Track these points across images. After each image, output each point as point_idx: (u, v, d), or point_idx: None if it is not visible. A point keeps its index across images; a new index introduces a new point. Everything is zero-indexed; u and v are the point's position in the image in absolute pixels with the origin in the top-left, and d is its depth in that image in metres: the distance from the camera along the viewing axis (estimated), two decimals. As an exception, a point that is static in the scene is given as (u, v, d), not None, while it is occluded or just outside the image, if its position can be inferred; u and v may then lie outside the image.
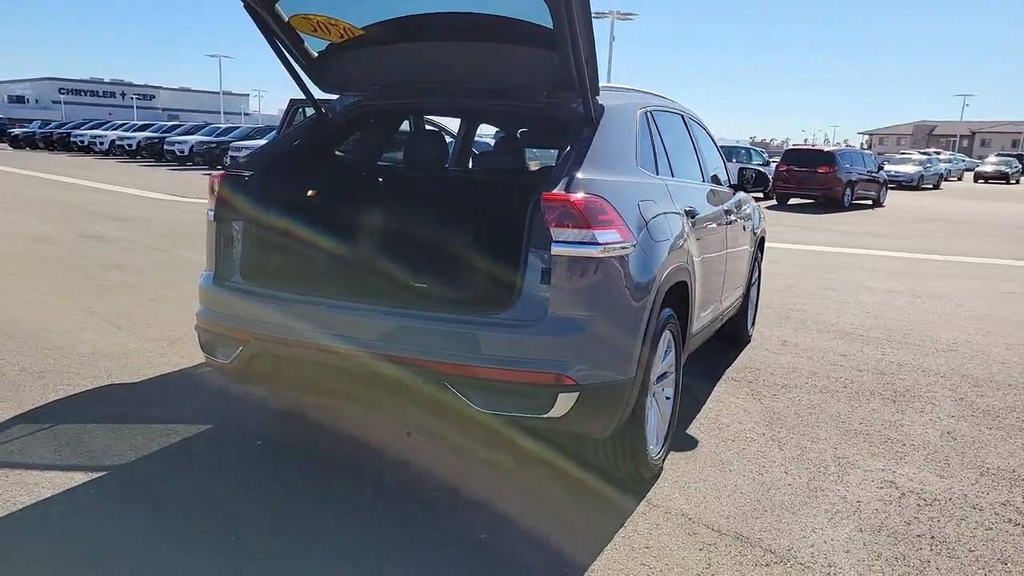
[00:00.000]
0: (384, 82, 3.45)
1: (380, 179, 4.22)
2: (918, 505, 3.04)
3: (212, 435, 3.52)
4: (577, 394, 2.56)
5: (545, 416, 2.57)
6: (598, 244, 2.57)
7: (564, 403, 2.56)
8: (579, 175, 2.69)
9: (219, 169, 3.56)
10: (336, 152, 4.02)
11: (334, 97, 3.64)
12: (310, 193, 3.62)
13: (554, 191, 2.61)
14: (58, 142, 36.68)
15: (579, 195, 2.60)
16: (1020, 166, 39.55)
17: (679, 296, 3.25)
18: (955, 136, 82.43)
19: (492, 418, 2.60)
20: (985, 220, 17.36)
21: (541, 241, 2.59)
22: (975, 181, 38.54)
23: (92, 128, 36.52)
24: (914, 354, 5.35)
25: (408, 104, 3.86)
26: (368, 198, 4.10)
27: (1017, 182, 38.06)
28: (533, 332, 2.56)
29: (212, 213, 3.14)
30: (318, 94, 3.53)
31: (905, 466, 3.41)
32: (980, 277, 9.01)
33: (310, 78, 3.42)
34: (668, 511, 2.91)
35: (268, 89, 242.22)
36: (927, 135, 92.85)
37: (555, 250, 2.55)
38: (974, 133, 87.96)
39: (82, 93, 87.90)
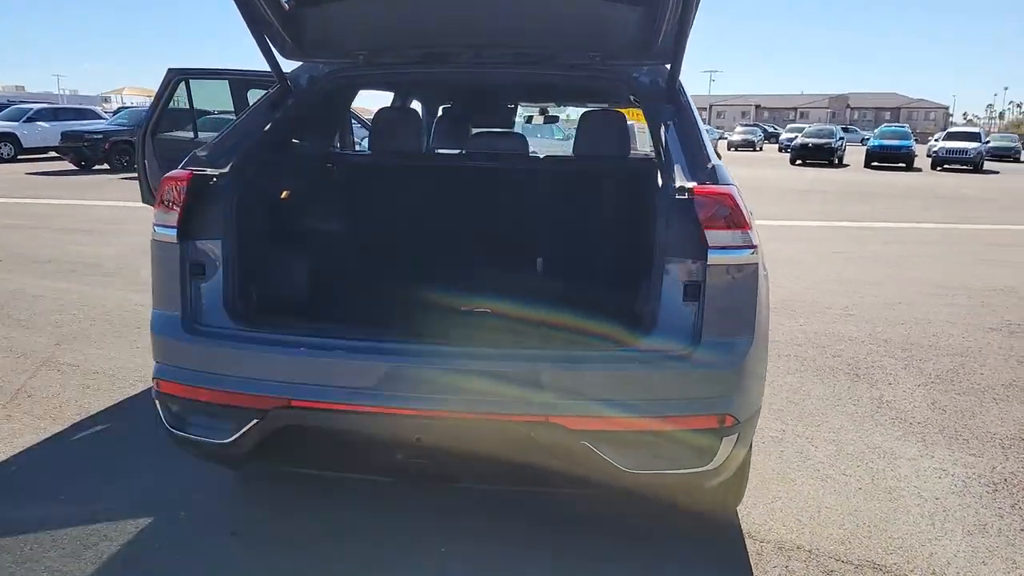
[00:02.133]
0: (375, 45, 2.65)
1: (421, 174, 3.44)
2: (990, 492, 2.96)
3: (158, 532, 2.55)
4: (737, 435, 2.08)
5: (703, 469, 2.07)
6: (751, 247, 2.09)
7: (725, 448, 2.07)
8: (711, 164, 2.18)
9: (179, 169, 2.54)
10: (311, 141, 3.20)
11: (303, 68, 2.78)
12: (328, 194, 3.06)
13: (708, 185, 2.07)
14: None
15: (730, 188, 2.10)
16: (763, 135, 44.98)
17: None
18: (705, 108, 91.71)
19: (638, 478, 2.04)
20: (760, 185, 19.14)
21: (686, 247, 2.06)
22: (728, 149, 42.98)
23: None
24: (825, 322, 5.48)
25: (407, 75, 3.06)
26: (411, 198, 3.33)
27: (761, 148, 43.06)
28: (689, 365, 2.03)
29: (173, 231, 2.19)
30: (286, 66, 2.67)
31: (936, 449, 3.35)
32: (801, 240, 9.68)
33: (286, 36, 2.52)
34: (781, 546, 2.54)
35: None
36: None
37: (713, 258, 2.04)
38: (711, 106, 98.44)
39: None
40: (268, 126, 2.58)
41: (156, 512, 2.65)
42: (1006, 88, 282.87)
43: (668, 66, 2.51)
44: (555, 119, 11.70)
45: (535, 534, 2.58)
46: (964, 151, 26.34)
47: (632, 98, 2.75)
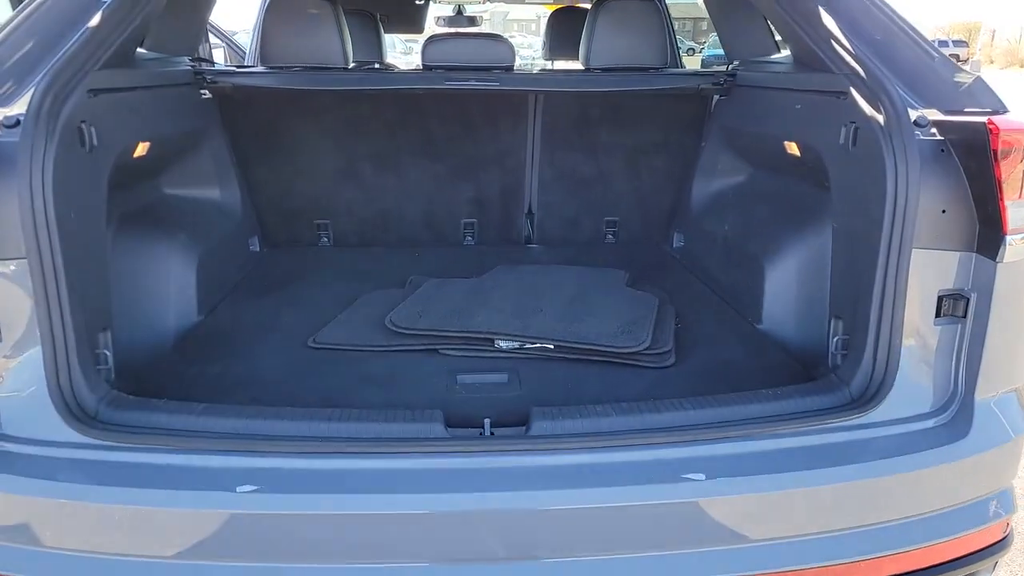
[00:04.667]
0: None
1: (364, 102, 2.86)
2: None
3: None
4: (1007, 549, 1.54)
5: None
6: None
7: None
8: (965, 74, 1.63)
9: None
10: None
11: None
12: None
13: (999, 116, 1.43)
14: None
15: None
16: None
17: None
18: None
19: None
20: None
21: (950, 229, 1.44)
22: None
23: None
24: None
25: None
26: (357, 143, 2.87)
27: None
28: (960, 443, 1.46)
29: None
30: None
31: None
32: None
33: None
34: None
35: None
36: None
37: (1013, 247, 1.37)
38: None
39: None
40: (94, 20, 1.71)
41: None
42: None
43: None
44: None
45: None
46: None
47: None
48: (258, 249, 3.27)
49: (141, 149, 2.26)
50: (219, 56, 5.64)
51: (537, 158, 3.35)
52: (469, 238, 3.52)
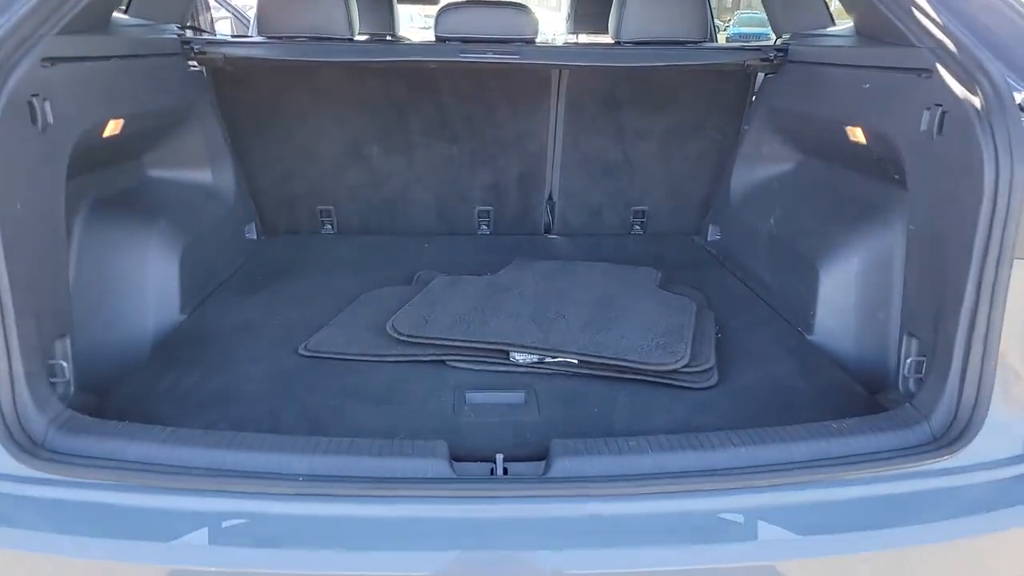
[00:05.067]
0: None
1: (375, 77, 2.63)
2: None
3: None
4: None
5: None
6: None
7: None
8: None
9: None
10: None
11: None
12: None
13: None
14: None
15: None
16: None
17: None
18: None
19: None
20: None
21: None
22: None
23: None
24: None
25: None
26: (364, 122, 2.67)
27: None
28: None
29: None
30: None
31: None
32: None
33: None
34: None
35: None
36: None
37: None
38: None
39: None
40: None
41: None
42: None
43: None
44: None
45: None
46: None
47: None
48: (255, 237, 3.02)
49: (113, 127, 2.00)
50: (225, 28, 5.36)
51: (559, 141, 3.06)
52: (484, 227, 3.24)
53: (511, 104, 2.97)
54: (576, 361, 1.85)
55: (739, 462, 1.41)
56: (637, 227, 3.26)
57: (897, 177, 1.89)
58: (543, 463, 1.44)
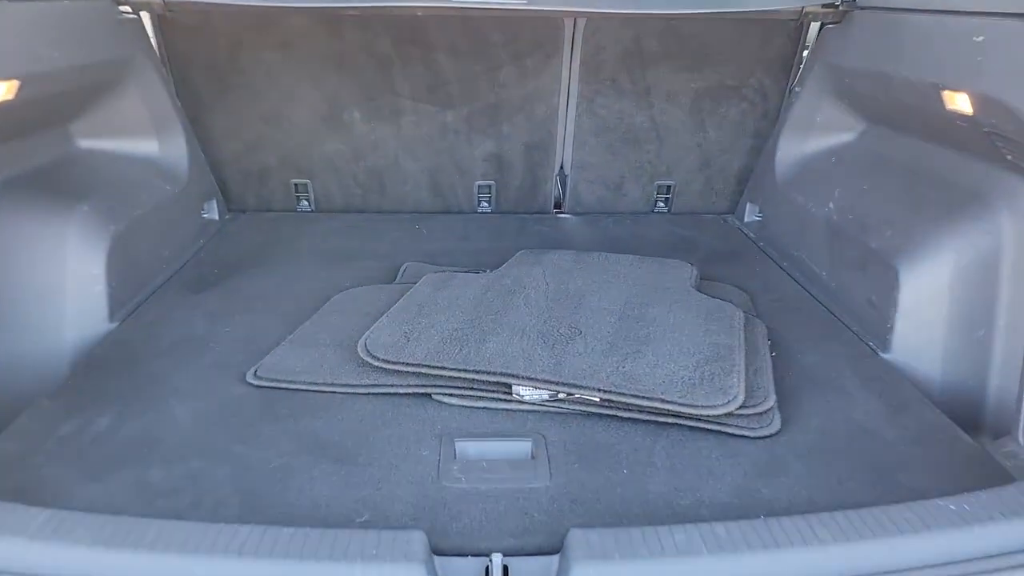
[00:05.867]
0: None
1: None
2: None
3: None
4: None
5: None
6: None
7: None
8: None
9: None
10: None
11: None
12: None
13: None
14: None
15: None
16: None
17: None
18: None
19: None
20: None
21: None
22: None
23: None
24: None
25: None
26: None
27: None
28: None
29: None
30: None
31: None
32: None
33: None
34: None
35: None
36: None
37: None
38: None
39: None
40: None
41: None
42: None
43: None
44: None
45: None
46: None
47: None
48: (216, 217, 2.59)
49: (7, 91, 1.56)
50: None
51: (573, 104, 2.60)
52: (485, 204, 2.81)
53: (516, 60, 2.51)
54: (599, 399, 1.44)
55: (834, 570, 1.01)
56: (661, 203, 2.83)
57: (1011, 158, 1.45)
58: (555, 558, 1.04)
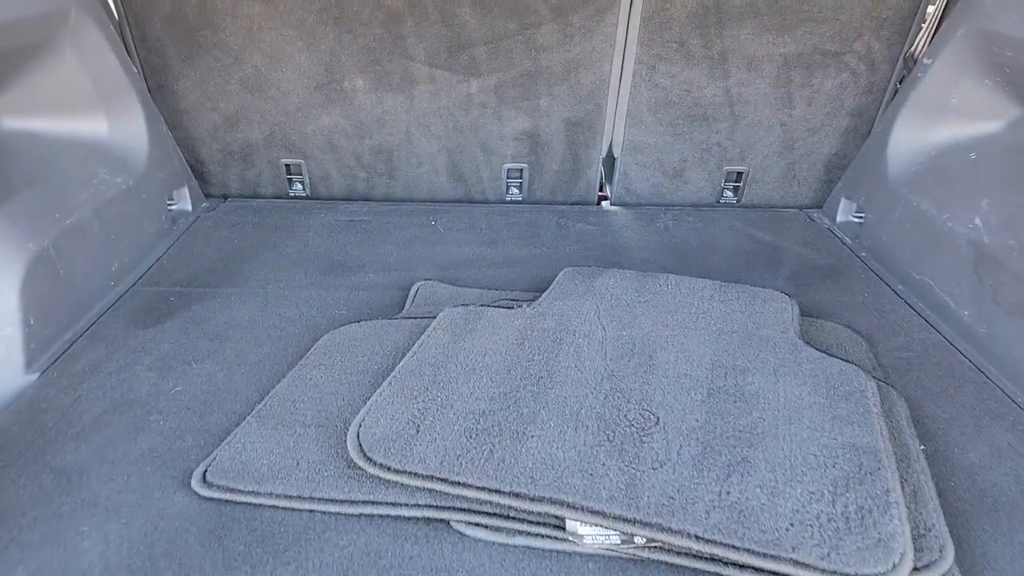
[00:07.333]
0: None
1: None
2: None
3: None
4: None
5: None
6: None
7: None
8: None
9: None
10: None
11: None
12: None
13: None
14: None
15: None
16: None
17: None
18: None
19: None
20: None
21: None
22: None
23: None
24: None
25: None
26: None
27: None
28: None
29: None
30: None
31: None
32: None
33: None
34: None
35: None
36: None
37: None
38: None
39: None
40: None
41: None
42: None
43: None
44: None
45: None
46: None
47: None
48: (189, 207, 2.12)
49: None
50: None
51: (629, 72, 2.08)
52: (515, 190, 2.32)
53: (560, 17, 1.99)
54: (695, 549, 0.98)
55: None
56: (728, 193, 2.32)
57: None
58: None
